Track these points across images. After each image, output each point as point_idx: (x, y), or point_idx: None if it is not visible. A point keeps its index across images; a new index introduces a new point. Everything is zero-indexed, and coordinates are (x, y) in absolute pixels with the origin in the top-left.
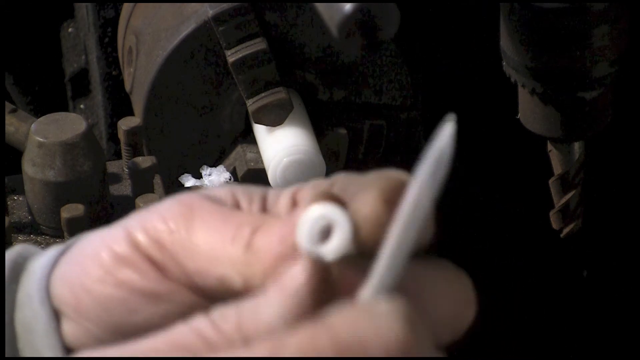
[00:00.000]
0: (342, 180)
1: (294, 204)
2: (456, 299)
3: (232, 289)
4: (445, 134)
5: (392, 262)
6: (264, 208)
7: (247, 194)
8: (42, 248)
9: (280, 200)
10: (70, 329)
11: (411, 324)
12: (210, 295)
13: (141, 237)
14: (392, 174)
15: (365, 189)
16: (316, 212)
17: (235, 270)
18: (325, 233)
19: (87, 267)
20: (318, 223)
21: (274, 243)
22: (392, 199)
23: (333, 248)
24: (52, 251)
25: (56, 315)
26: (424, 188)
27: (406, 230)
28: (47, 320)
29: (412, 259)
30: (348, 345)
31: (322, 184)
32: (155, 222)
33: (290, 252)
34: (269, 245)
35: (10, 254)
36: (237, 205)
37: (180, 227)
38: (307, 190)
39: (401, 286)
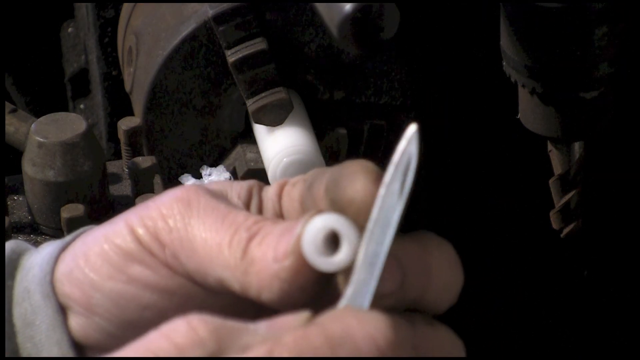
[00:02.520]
0: (313, 173)
1: (280, 193)
2: (450, 265)
3: (231, 290)
4: (411, 140)
5: (369, 272)
6: (249, 201)
7: (235, 188)
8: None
9: (269, 190)
10: (79, 325)
11: (394, 323)
12: (214, 291)
13: (142, 233)
14: (362, 161)
15: (350, 175)
16: (321, 223)
17: (232, 276)
18: (329, 242)
19: (95, 264)
20: (322, 233)
21: (269, 260)
22: (378, 178)
23: (341, 260)
24: (49, 247)
25: (62, 310)
26: (394, 198)
27: (381, 239)
28: (52, 314)
29: (405, 236)
30: (340, 340)
31: (299, 179)
32: (155, 219)
33: (283, 270)
34: (264, 259)
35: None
36: (226, 199)
37: (179, 225)
38: (291, 183)
39: (410, 261)
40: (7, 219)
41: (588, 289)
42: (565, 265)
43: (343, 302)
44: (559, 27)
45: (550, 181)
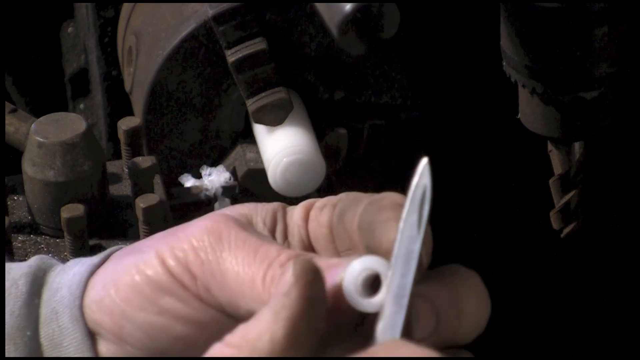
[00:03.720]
0: (344, 201)
1: (306, 218)
2: (479, 301)
3: None
4: (423, 173)
5: (398, 304)
6: (275, 227)
7: (260, 213)
8: (42, 248)
9: (295, 214)
10: (110, 351)
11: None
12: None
13: (174, 265)
14: (394, 200)
15: (383, 224)
16: (362, 266)
17: None
18: (368, 282)
19: (126, 295)
20: (363, 276)
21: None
22: None
23: (382, 299)
24: (77, 267)
25: (91, 335)
26: (413, 230)
27: (405, 271)
28: (81, 338)
29: (434, 275)
30: None
31: (326, 203)
32: (186, 251)
33: (316, 310)
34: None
35: (28, 267)
36: (252, 227)
37: (211, 258)
38: (318, 207)
39: (442, 304)
40: (7, 219)
41: (588, 289)
42: (565, 265)
43: (377, 337)
44: (559, 27)
45: (550, 181)
